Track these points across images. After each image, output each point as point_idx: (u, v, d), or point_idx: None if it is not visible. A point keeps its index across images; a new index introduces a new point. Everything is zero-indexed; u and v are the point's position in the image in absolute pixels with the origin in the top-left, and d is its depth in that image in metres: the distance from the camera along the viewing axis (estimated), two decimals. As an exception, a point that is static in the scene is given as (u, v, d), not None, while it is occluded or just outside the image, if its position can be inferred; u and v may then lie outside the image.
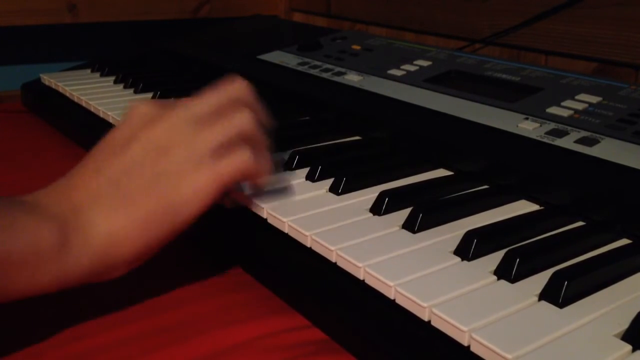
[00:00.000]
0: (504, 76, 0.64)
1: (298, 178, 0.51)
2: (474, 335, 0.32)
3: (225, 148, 0.40)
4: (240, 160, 0.40)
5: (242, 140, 0.41)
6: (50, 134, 0.78)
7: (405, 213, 0.44)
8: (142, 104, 0.42)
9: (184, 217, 0.39)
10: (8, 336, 0.39)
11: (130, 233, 0.38)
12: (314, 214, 0.45)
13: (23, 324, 0.40)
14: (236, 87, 0.44)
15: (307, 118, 0.67)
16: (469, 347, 0.32)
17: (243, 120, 0.42)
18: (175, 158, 0.39)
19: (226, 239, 0.48)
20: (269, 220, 0.46)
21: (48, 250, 0.35)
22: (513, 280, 0.37)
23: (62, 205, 0.38)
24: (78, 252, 0.36)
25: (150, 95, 0.76)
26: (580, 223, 0.45)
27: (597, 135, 0.50)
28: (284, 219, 0.44)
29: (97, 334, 0.39)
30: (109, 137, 0.41)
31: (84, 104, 0.75)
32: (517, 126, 0.53)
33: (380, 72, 0.70)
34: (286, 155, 0.55)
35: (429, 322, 0.35)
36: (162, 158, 0.39)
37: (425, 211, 0.43)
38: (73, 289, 0.41)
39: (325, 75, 0.72)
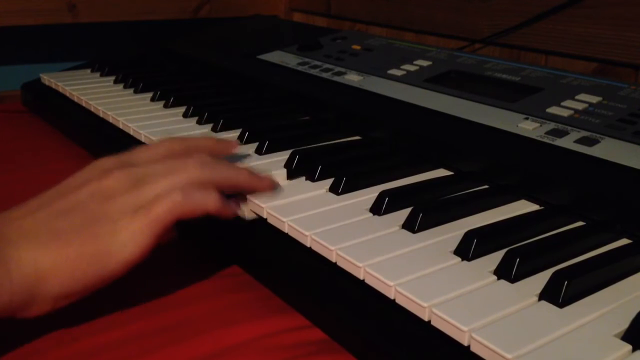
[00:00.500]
0: (504, 76, 0.64)
1: (298, 178, 0.51)
2: (474, 335, 0.32)
3: (162, 190, 0.41)
4: (170, 202, 0.40)
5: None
6: (50, 134, 0.78)
7: (405, 213, 0.44)
8: (103, 158, 0.44)
9: (118, 262, 0.39)
10: (8, 336, 0.39)
11: (59, 271, 0.37)
12: (314, 214, 0.45)
13: (23, 324, 0.40)
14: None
15: (307, 118, 0.67)
16: (469, 347, 0.32)
17: (190, 172, 0.43)
18: (116, 204, 0.40)
19: (226, 239, 0.48)
20: (269, 220, 0.46)
21: None
22: (513, 280, 0.37)
23: None
24: None
25: (150, 95, 0.76)
26: (580, 223, 0.45)
27: (597, 135, 0.50)
28: (284, 219, 0.44)
29: (97, 334, 0.39)
30: (63, 182, 0.42)
31: (84, 104, 0.75)
32: (517, 126, 0.53)
33: (380, 72, 0.70)
34: (286, 155, 0.55)
35: (429, 322, 0.35)
36: (105, 203, 0.40)
37: (425, 211, 0.43)
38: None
39: (325, 75, 0.72)
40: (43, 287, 0.37)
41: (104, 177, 0.42)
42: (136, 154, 0.45)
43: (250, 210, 0.47)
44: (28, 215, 0.39)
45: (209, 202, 0.42)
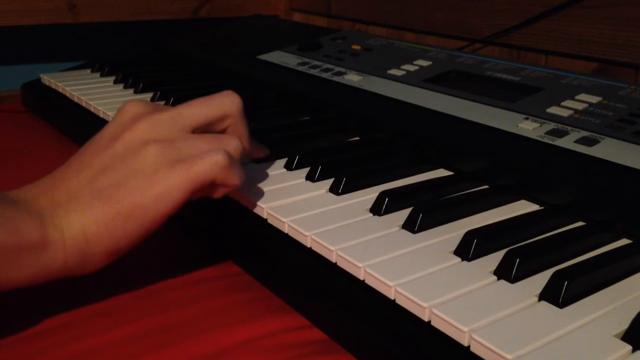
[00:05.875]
0: (504, 76, 0.64)
1: (298, 178, 0.51)
2: (474, 336, 0.32)
3: (202, 150, 0.41)
4: (214, 163, 0.40)
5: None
6: (50, 134, 0.78)
7: (405, 213, 0.44)
8: (134, 102, 0.43)
9: (153, 216, 0.39)
10: (8, 336, 0.39)
11: (101, 230, 0.38)
12: (314, 214, 0.45)
13: (23, 324, 0.40)
14: (228, 103, 0.45)
15: (307, 118, 0.67)
16: (469, 347, 0.32)
17: (229, 147, 0.42)
18: (151, 155, 0.40)
19: (226, 239, 0.48)
20: (269, 220, 0.46)
21: (28, 245, 0.37)
22: (513, 280, 0.37)
23: (42, 203, 0.39)
24: (54, 249, 0.37)
25: (150, 95, 0.76)
26: (580, 223, 0.45)
27: (597, 135, 0.50)
28: (284, 219, 0.44)
29: (97, 334, 0.39)
30: (98, 135, 0.43)
31: (84, 104, 0.75)
32: (517, 126, 0.53)
33: (380, 72, 0.70)
34: (286, 155, 0.55)
35: (429, 322, 0.35)
36: (140, 155, 0.40)
37: (425, 211, 0.43)
38: (74, 290, 0.42)
39: (325, 75, 0.72)
40: (92, 247, 0.38)
41: (136, 124, 0.41)
42: (178, 108, 0.43)
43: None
44: (73, 176, 0.40)
45: (239, 179, 0.42)
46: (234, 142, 0.43)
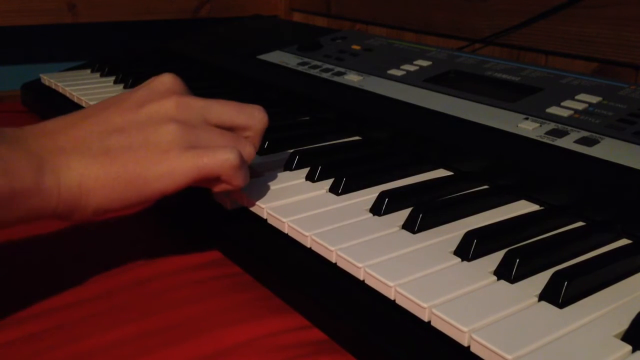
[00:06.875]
0: (504, 76, 0.64)
1: (298, 178, 0.51)
2: (474, 336, 0.32)
3: (218, 144, 0.42)
4: (225, 160, 0.41)
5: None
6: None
7: (405, 213, 0.44)
8: (171, 75, 0.44)
9: (152, 191, 0.40)
10: (7, 336, 0.39)
11: (97, 186, 0.38)
12: (314, 214, 0.45)
13: (22, 323, 0.40)
14: (258, 117, 0.46)
15: (307, 118, 0.67)
16: (469, 347, 0.32)
17: (244, 150, 0.43)
18: (169, 133, 0.40)
19: (226, 239, 0.48)
20: (269, 221, 0.46)
21: (21, 189, 0.36)
22: (513, 280, 0.37)
23: (46, 145, 0.38)
24: (48, 195, 0.37)
25: (150, 95, 0.76)
26: (580, 223, 0.45)
27: (597, 135, 0.50)
28: (284, 219, 0.44)
29: (96, 334, 0.39)
30: (124, 95, 0.43)
31: (84, 104, 0.75)
32: (517, 126, 0.53)
33: (380, 72, 0.70)
34: (286, 155, 0.55)
35: (429, 322, 0.35)
36: (159, 129, 0.40)
37: (425, 211, 0.43)
38: (73, 297, 0.42)
39: (325, 75, 0.72)
40: (84, 201, 0.38)
41: (166, 98, 0.42)
42: (209, 101, 0.44)
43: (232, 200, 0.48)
44: (86, 126, 0.40)
45: (243, 182, 0.43)
46: (250, 148, 0.44)
